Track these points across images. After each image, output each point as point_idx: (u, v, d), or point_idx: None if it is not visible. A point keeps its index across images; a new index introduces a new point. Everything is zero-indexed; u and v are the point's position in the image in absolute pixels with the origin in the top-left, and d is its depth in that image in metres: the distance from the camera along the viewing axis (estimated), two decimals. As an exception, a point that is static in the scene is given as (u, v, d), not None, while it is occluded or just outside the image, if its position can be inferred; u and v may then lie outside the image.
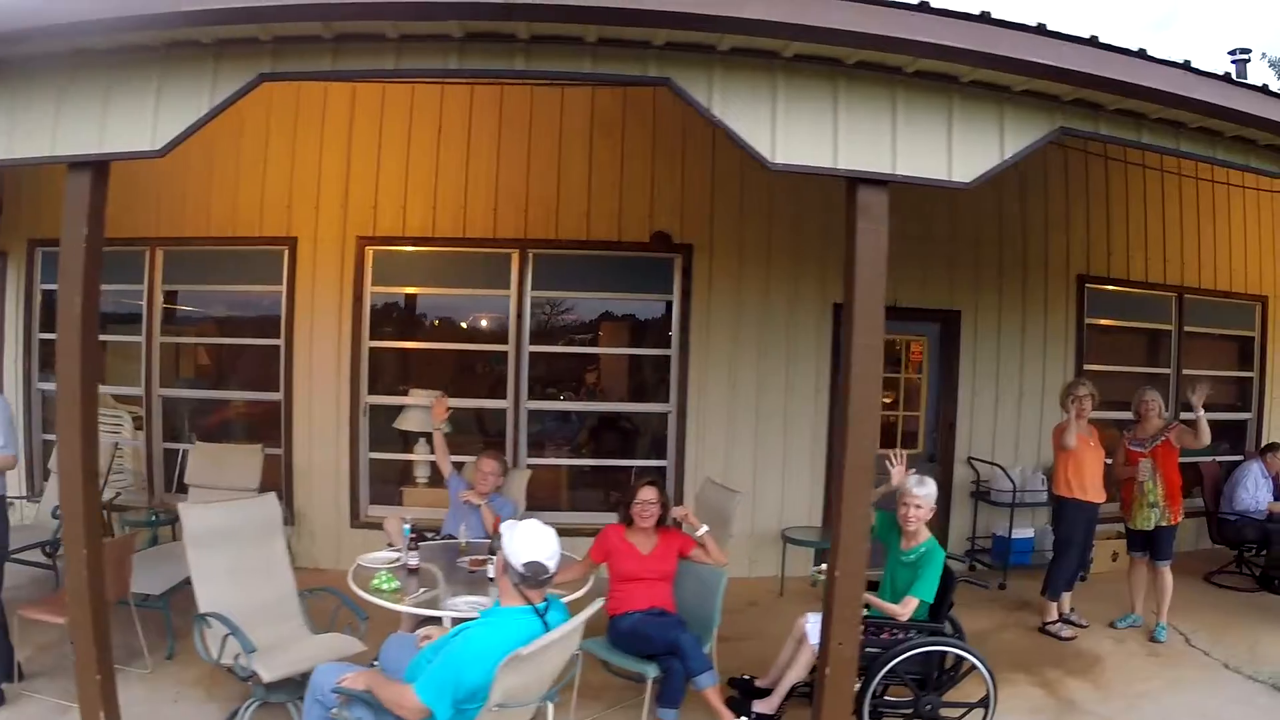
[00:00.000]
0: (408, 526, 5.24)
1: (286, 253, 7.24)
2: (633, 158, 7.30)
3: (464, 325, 7.59)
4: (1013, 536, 7.49)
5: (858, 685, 4.29)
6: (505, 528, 3.38)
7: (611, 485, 7.60)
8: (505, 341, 7.18)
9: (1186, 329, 8.79)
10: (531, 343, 7.28)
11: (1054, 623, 6.53)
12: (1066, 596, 6.78)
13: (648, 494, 4.88)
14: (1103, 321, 8.39)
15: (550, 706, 3.61)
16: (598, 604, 3.76)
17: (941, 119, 3.91)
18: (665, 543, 4.93)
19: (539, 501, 7.14)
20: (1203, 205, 8.84)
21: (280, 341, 7.22)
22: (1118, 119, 4.17)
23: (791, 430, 7.44)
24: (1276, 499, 7.82)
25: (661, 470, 7.31)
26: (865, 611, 4.48)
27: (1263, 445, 8.22)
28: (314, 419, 7.30)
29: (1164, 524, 6.47)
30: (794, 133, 3.82)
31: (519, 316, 7.27)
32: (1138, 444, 6.65)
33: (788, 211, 7.35)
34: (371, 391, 7.30)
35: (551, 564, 3.28)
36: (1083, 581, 7.75)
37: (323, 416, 7.29)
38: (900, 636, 4.59)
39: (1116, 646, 6.41)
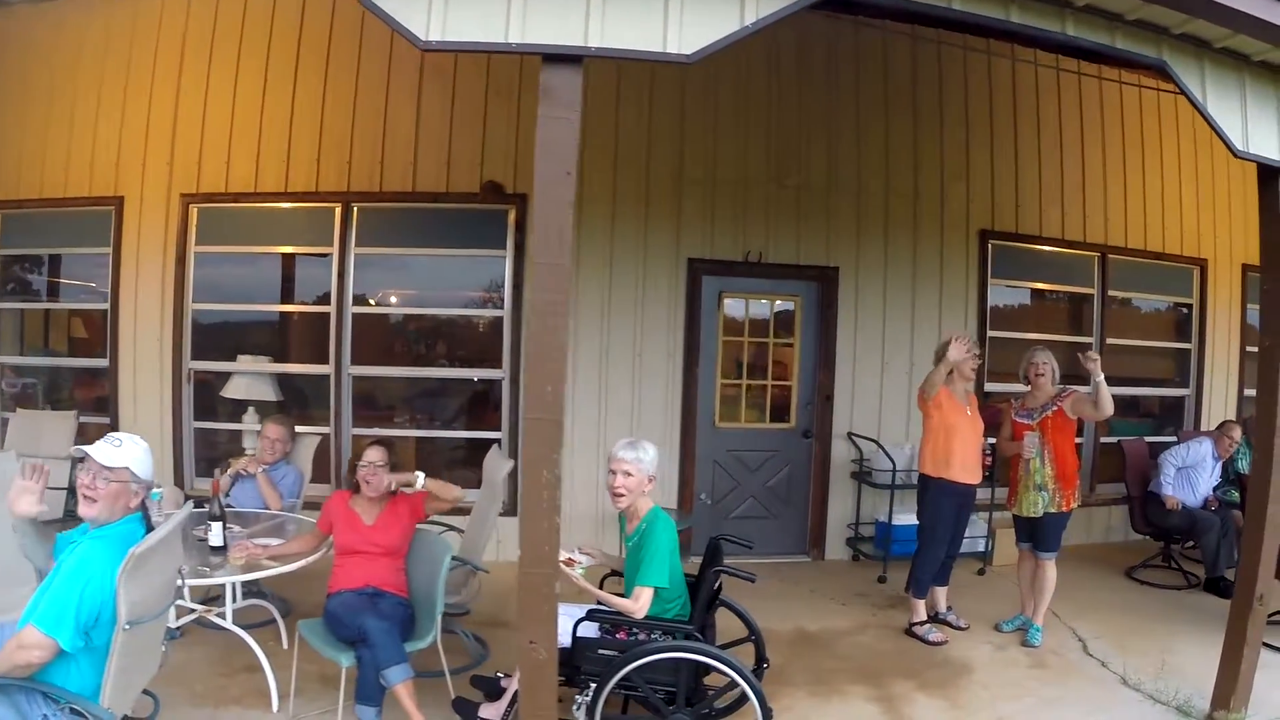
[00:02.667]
0: (157, 492, 3.87)
1: (114, 213, 5.57)
2: (464, 100, 5.32)
3: (290, 286, 5.99)
4: (894, 523, 5.24)
5: (589, 693, 2.90)
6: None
7: (442, 456, 5.71)
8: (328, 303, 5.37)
9: (1112, 294, 6.50)
10: (355, 304, 5.51)
11: (921, 624, 4.41)
12: (942, 593, 4.62)
13: (374, 454, 3.41)
14: (1011, 283, 6.12)
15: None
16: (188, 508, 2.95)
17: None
18: (392, 512, 3.43)
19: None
20: (1131, 157, 6.51)
21: (106, 306, 5.59)
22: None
23: (644, 399, 5.41)
24: (1217, 488, 5.56)
25: (497, 441, 5.64)
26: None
27: (1219, 424, 5.79)
28: (139, 386, 5.65)
29: (1052, 510, 4.31)
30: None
31: (341, 276, 5.35)
32: (1025, 415, 4.42)
33: (636, 156, 5.37)
34: (197, 358, 5.72)
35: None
36: (981, 576, 5.72)
37: (147, 384, 5.58)
38: (641, 638, 2.96)
39: (994, 654, 4.27)
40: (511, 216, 5.35)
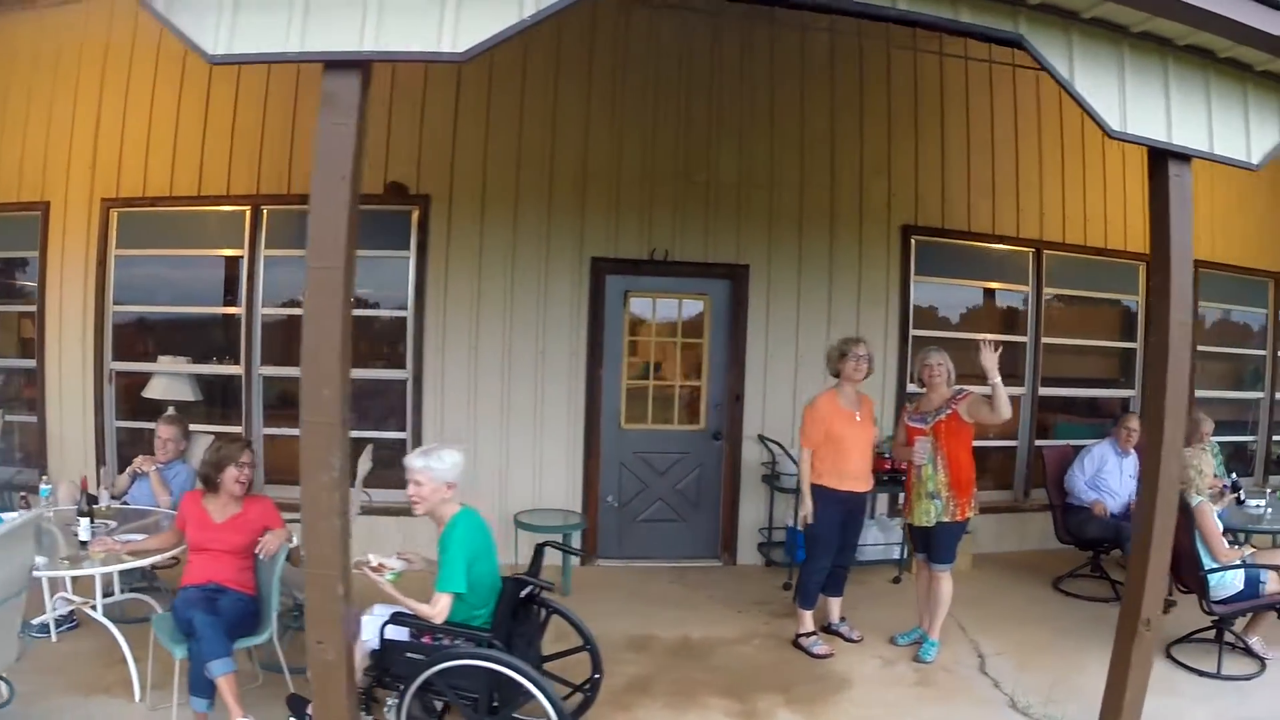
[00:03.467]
0: (46, 489, 4.08)
1: (40, 217, 5.50)
2: (371, 102, 5.33)
3: (206, 288, 5.76)
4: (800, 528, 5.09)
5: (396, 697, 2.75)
6: None
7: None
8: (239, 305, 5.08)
9: (1049, 291, 5.96)
10: (265, 305, 5.26)
11: (807, 635, 3.97)
12: (835, 604, 4.17)
13: (249, 456, 3.34)
14: (937, 280, 5.56)
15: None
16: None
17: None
18: (247, 512, 3.28)
19: (281, 474, 5.15)
20: (1071, 151, 5.88)
21: (34, 309, 5.36)
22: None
23: (547, 399, 5.02)
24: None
25: (402, 442, 5.35)
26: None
27: (1115, 417, 5.19)
28: (64, 386, 5.47)
29: (945, 520, 3.83)
30: (252, 11, 2.38)
31: (251, 278, 5.09)
32: (918, 419, 3.93)
33: (539, 152, 4.97)
34: (120, 358, 5.48)
35: None
36: (896, 584, 5.20)
37: (72, 384, 5.36)
38: (445, 644, 2.77)
39: (880, 670, 3.83)
40: (415, 216, 5.00)
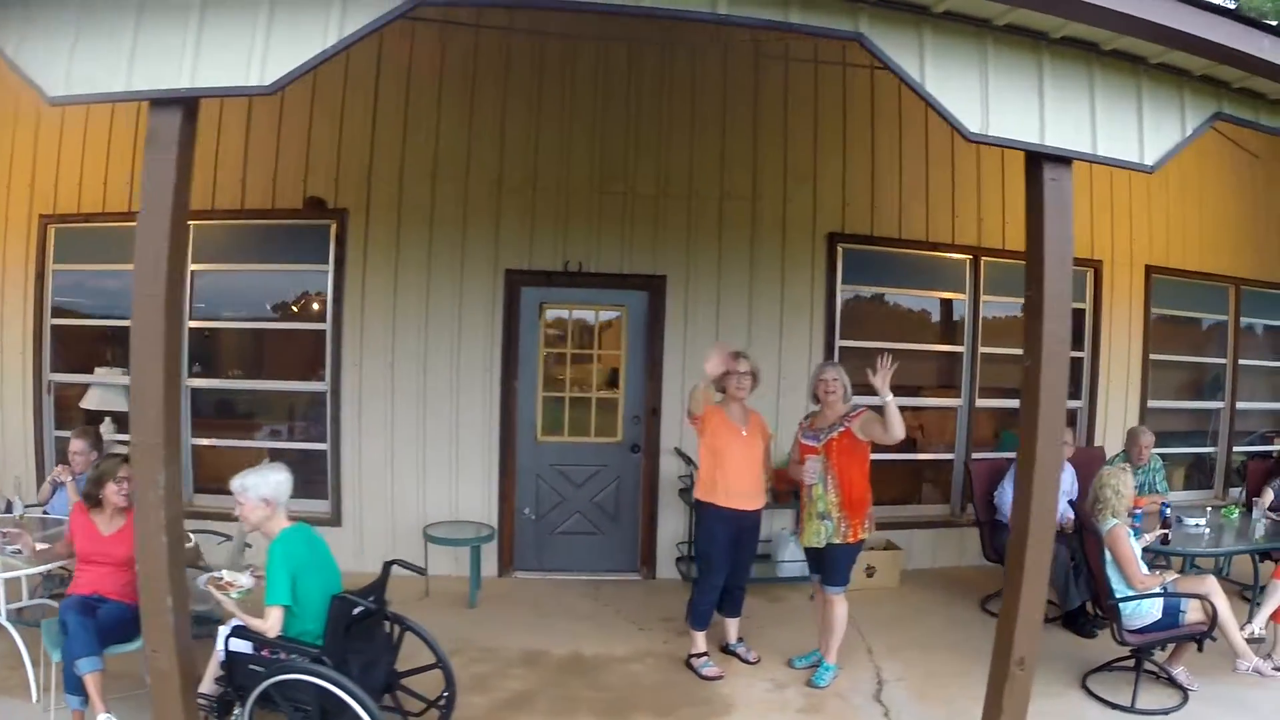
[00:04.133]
0: None
1: None
2: (290, 119, 4.75)
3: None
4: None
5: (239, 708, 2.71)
6: None
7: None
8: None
9: (987, 299, 5.53)
10: (192, 319, 5.03)
11: (698, 656, 3.67)
12: (732, 624, 3.86)
13: (127, 470, 3.16)
14: (866, 288, 5.21)
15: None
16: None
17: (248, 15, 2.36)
18: (130, 527, 3.09)
19: (209, 484, 5.04)
20: (1012, 156, 5.68)
21: None
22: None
23: (463, 411, 4.76)
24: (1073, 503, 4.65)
25: (323, 454, 5.15)
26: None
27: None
28: (5, 397, 5.34)
29: (836, 541, 3.51)
30: (87, 55, 2.39)
31: None
32: (811, 436, 3.60)
33: (456, 165, 4.73)
34: (58, 370, 5.43)
35: None
36: (814, 601, 4.96)
37: (12, 394, 5.18)
38: (282, 658, 2.68)
39: (768, 694, 3.53)
40: (333, 230, 4.81)
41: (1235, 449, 6.20)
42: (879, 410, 3.43)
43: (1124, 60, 2.78)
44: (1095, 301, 5.62)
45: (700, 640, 3.74)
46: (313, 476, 4.88)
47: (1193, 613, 3.60)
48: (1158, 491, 4.83)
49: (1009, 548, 2.84)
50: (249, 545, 3.69)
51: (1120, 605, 3.57)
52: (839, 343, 5.02)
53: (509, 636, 4.01)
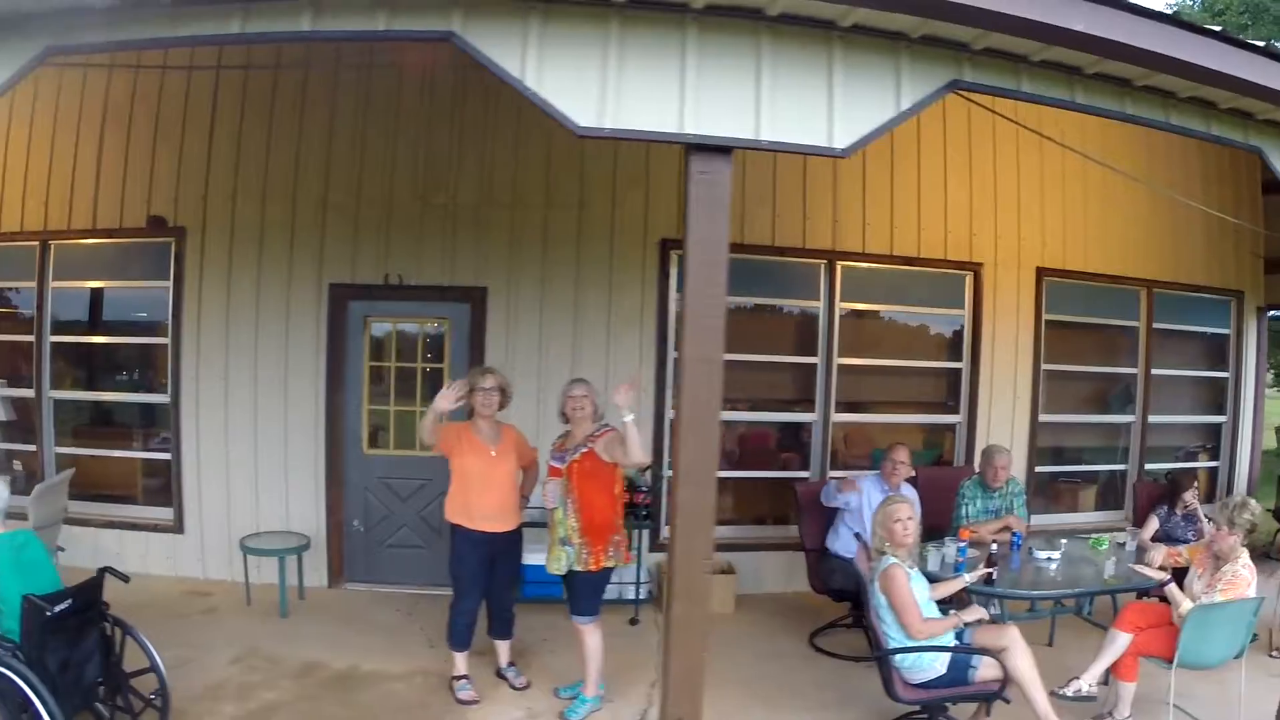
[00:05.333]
0: None
1: None
2: (137, 140, 4.50)
3: (13, 316, 5.51)
4: (524, 562, 3.72)
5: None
6: None
7: (132, 475, 4.81)
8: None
9: (845, 306, 4.84)
10: (55, 333, 4.72)
11: (458, 678, 3.26)
12: (503, 648, 3.40)
13: None
14: None
15: None
16: None
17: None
18: None
19: (95, 491, 4.66)
20: (876, 153, 4.92)
21: None
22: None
23: (292, 425, 4.41)
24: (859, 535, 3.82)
25: (166, 463, 4.87)
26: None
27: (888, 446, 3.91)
28: None
29: (579, 569, 3.08)
30: None
31: (40, 308, 4.63)
32: (557, 457, 3.09)
33: (283, 188, 4.40)
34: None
35: None
36: (634, 625, 4.32)
37: None
38: None
39: None
40: (173, 248, 4.63)
41: (1149, 466, 5.30)
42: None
43: (805, 26, 2.18)
44: (975, 308, 4.84)
45: (460, 662, 3.26)
46: (158, 485, 4.69)
47: (986, 668, 2.92)
48: (1022, 517, 4.09)
49: (666, 601, 2.30)
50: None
51: (898, 657, 2.94)
52: (672, 354, 4.48)
53: (299, 647, 3.64)
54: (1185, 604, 3.04)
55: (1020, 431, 4.91)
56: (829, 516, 3.96)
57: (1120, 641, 3.15)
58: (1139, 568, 3.32)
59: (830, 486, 3.88)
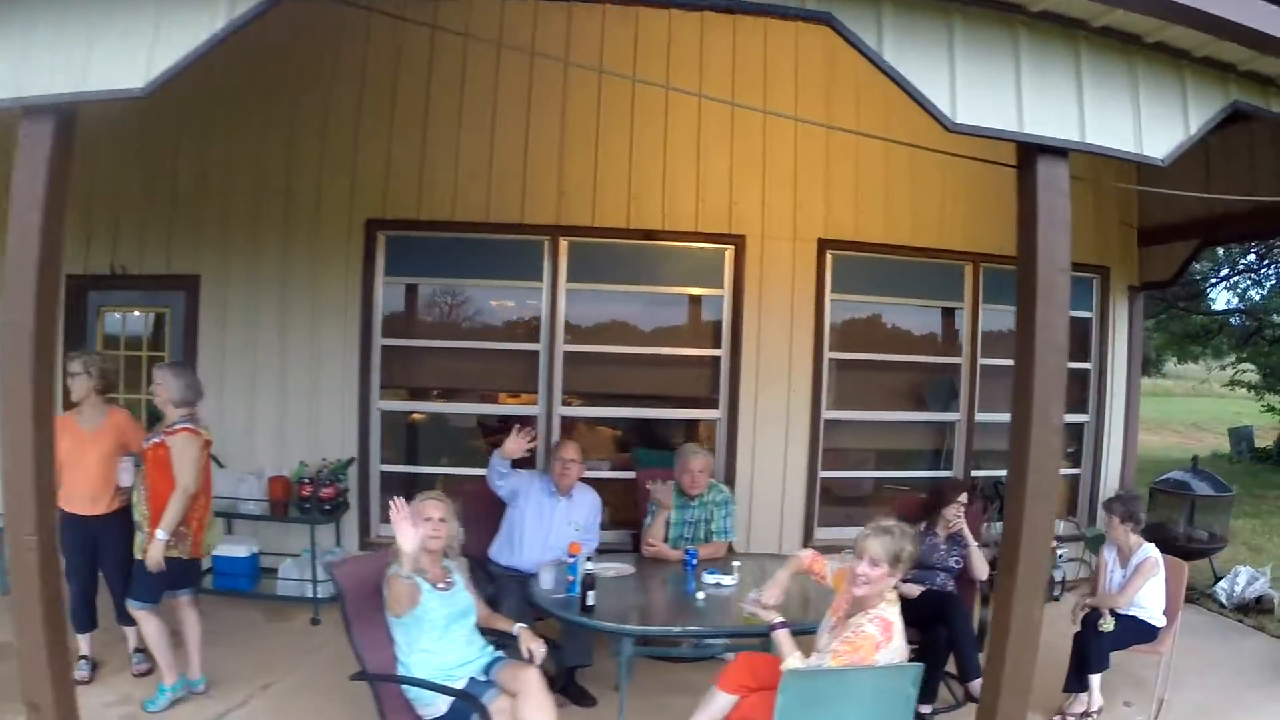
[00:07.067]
0: None
1: None
2: None
3: None
4: (216, 554, 3.39)
5: None
6: None
7: None
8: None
9: (575, 286, 3.86)
10: None
11: (81, 659, 2.79)
12: (131, 634, 2.86)
13: None
14: (415, 280, 3.81)
15: None
16: None
17: None
18: None
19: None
20: (614, 112, 3.81)
21: None
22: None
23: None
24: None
25: None
26: None
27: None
28: None
29: (139, 556, 2.57)
30: None
31: None
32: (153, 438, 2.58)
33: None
34: None
35: None
36: (316, 625, 3.70)
37: None
38: None
39: (106, 708, 2.61)
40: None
41: (978, 472, 4.01)
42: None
43: None
44: (736, 286, 3.83)
45: (82, 643, 2.80)
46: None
47: (498, 716, 2.09)
48: (718, 534, 3.09)
49: None
50: None
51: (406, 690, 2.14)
52: (381, 341, 3.76)
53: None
54: (789, 659, 2.04)
55: (798, 429, 3.83)
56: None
57: (719, 703, 2.17)
58: (747, 605, 2.30)
59: (495, 462, 3.04)
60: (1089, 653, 2.69)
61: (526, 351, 3.77)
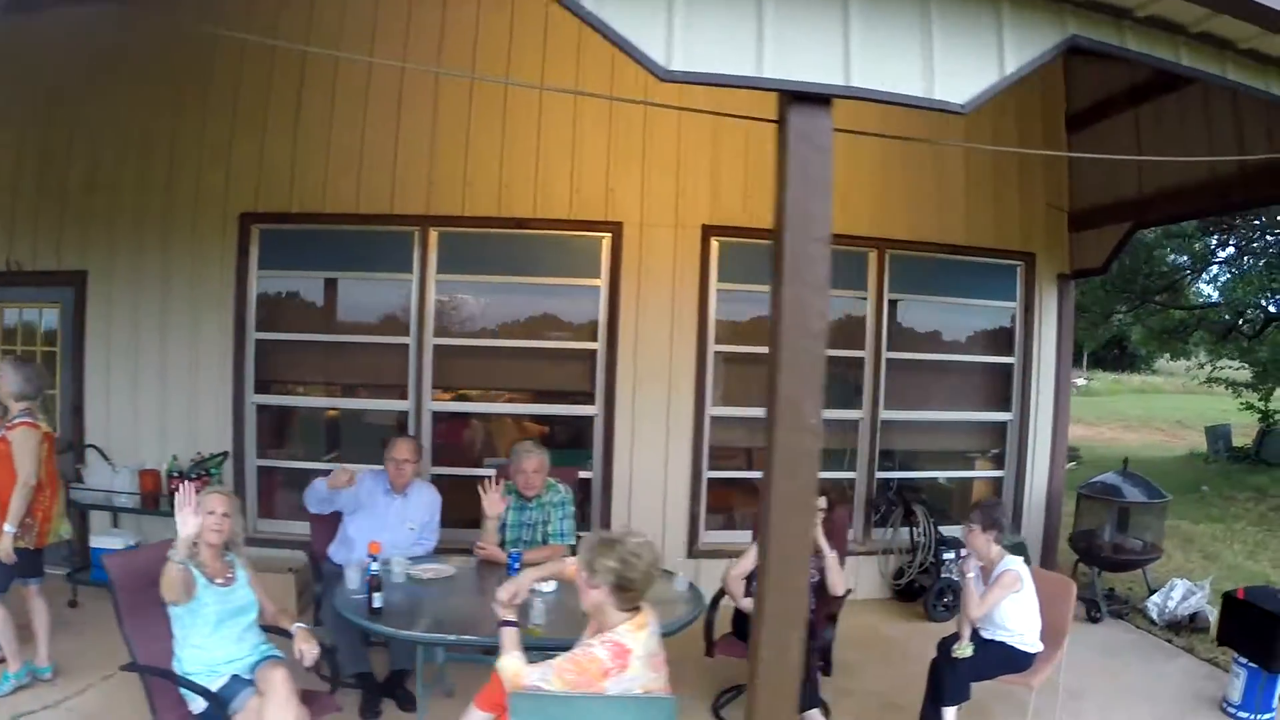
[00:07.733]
0: None
1: None
2: None
3: None
4: (93, 546, 3.32)
5: None
6: None
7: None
8: None
9: (442, 278, 3.62)
10: None
11: None
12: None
13: None
14: (288, 273, 3.60)
15: None
16: None
17: None
18: None
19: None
20: (485, 102, 3.46)
21: None
22: None
23: None
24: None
25: None
26: None
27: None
28: None
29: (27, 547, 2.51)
30: None
31: None
32: None
33: None
34: None
35: None
36: (73, 608, 3.34)
37: None
38: None
39: None
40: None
41: (883, 475, 3.58)
42: None
43: None
44: (613, 276, 3.50)
45: None
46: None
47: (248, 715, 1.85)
48: (560, 544, 2.78)
49: None
50: None
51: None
52: (255, 335, 3.59)
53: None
54: (505, 657, 1.74)
55: (680, 426, 3.48)
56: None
57: (474, 721, 1.89)
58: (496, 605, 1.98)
59: (318, 485, 2.84)
60: (943, 682, 2.29)
61: (397, 345, 3.52)
